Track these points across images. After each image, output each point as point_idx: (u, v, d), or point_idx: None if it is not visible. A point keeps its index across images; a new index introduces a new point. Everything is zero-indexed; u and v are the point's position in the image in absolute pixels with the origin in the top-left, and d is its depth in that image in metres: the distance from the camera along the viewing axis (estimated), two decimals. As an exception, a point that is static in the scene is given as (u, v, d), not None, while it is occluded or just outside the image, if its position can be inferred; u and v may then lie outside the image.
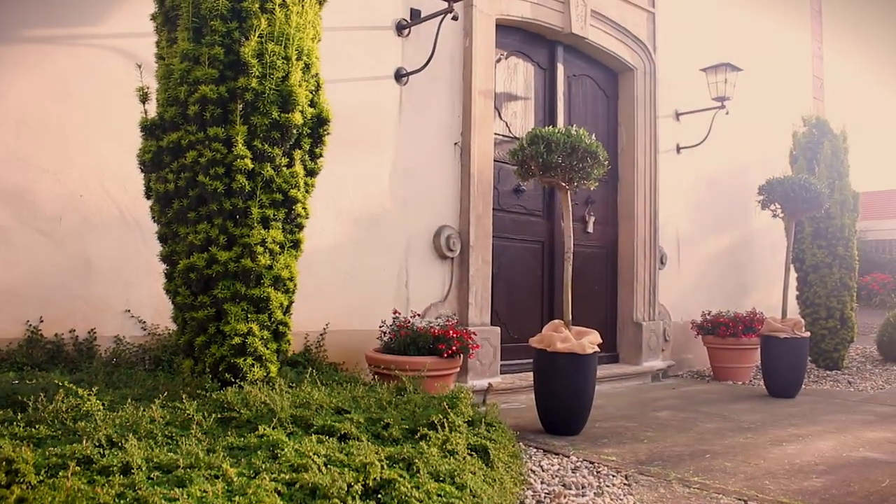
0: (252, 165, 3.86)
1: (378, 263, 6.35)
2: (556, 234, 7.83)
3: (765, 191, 7.80)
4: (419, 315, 6.16)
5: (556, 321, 5.75)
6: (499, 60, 7.42)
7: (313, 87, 4.22)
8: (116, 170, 4.98)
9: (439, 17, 6.20)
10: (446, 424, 3.65)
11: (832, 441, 5.45)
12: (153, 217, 4.11)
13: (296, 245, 4.17)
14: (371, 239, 6.30)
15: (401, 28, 6.51)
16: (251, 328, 3.88)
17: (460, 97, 6.88)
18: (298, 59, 4.04)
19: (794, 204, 7.62)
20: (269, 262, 3.92)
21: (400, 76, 6.48)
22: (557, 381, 5.51)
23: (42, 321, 4.76)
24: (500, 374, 7.01)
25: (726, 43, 10.13)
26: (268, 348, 3.99)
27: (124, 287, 5.07)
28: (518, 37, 7.68)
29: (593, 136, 5.63)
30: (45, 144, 4.82)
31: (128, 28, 5.08)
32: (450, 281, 6.77)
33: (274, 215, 3.97)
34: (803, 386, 7.78)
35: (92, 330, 4.93)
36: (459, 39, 6.88)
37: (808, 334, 7.59)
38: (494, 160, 7.17)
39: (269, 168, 3.93)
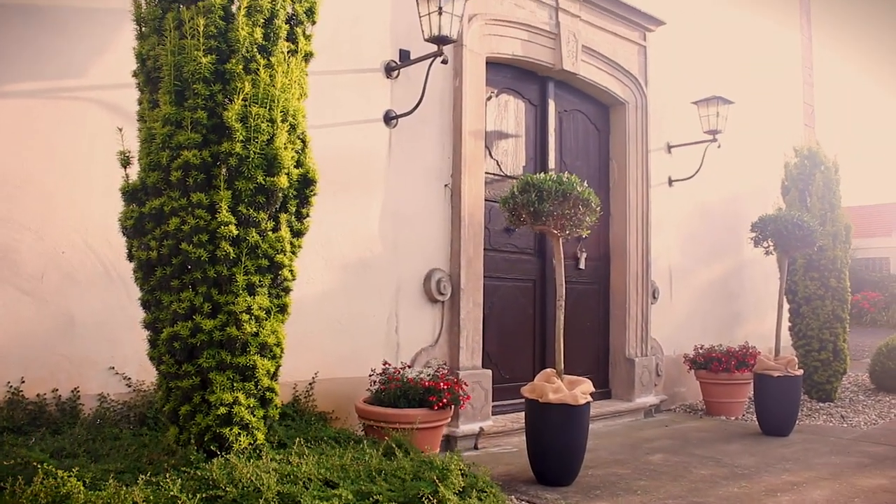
0: (237, 231, 3.78)
1: (368, 309, 6.27)
2: (548, 272, 7.77)
3: (757, 227, 7.76)
4: (409, 366, 6.07)
5: (548, 370, 5.68)
6: (489, 98, 7.36)
7: (299, 147, 4.15)
8: (100, 224, 4.89)
9: (429, 60, 6.13)
10: (436, 500, 3.56)
11: (827, 490, 5.39)
12: (136, 282, 4.02)
13: (282, 309, 4.09)
14: (360, 285, 6.22)
15: (389, 70, 6.45)
16: (237, 397, 3.79)
17: (450, 138, 6.82)
18: (284, 120, 3.97)
19: (787, 241, 7.58)
20: (255, 329, 3.84)
21: (389, 119, 6.41)
22: (549, 432, 5.44)
23: (24, 382, 4.65)
24: (493, 414, 6.93)
25: (718, 73, 10.11)
26: (254, 415, 3.90)
27: (109, 343, 4.97)
28: (509, 73, 7.63)
29: (585, 183, 5.57)
30: (27, 201, 4.73)
31: (111, 79, 5.00)
32: (440, 325, 6.69)
33: (260, 281, 3.89)
34: (797, 421, 7.71)
35: (76, 389, 4.82)
36: (449, 79, 6.82)
37: (800, 372, 7.54)
38: (485, 199, 7.11)
39: (254, 233, 3.85)
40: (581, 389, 5.48)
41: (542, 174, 5.59)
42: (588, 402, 5.48)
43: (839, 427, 8.07)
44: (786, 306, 9.40)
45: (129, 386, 5.04)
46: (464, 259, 6.72)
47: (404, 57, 6.51)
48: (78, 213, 4.90)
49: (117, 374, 5.00)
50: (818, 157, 9.85)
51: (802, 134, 12.17)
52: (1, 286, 4.63)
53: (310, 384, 5.81)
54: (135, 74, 4.18)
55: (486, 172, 7.21)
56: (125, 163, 4.02)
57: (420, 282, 6.58)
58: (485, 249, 7.05)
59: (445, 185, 6.78)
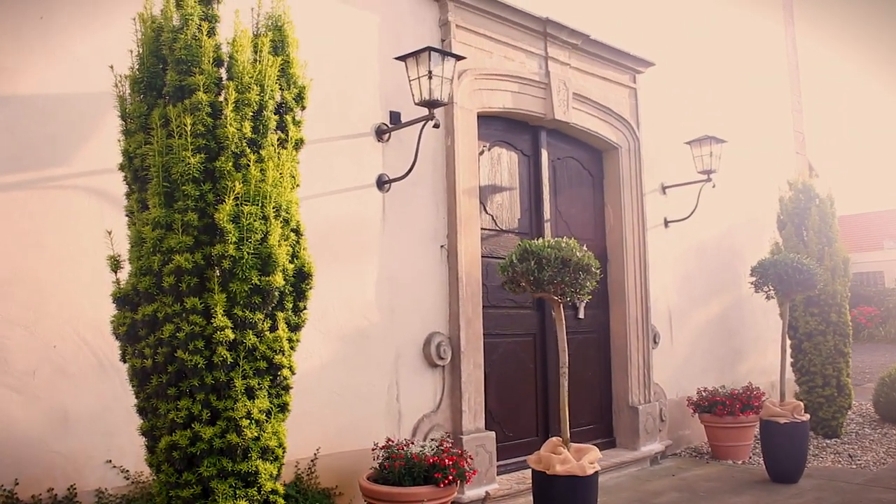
0: (233, 336, 3.67)
1: (367, 379, 6.15)
2: (548, 325, 7.67)
3: (757, 272, 7.69)
4: (411, 442, 5.92)
5: (554, 440, 5.57)
6: (481, 153, 7.28)
7: (293, 241, 4.06)
8: (92, 314, 4.76)
9: (420, 124, 6.06)
10: None
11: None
12: (132, 388, 3.91)
13: (283, 408, 3.99)
14: (359, 354, 6.11)
15: (380, 133, 6.37)
16: (239, 505, 3.68)
17: (444, 198, 6.73)
18: (277, 216, 3.87)
19: (787, 286, 7.51)
20: (256, 433, 3.73)
21: (382, 183, 6.32)
22: (558, 505, 5.33)
23: (18, 483, 4.51)
24: (498, 474, 6.82)
25: (708, 109, 10.07)
26: (257, 519, 3.79)
27: (104, 436, 4.84)
28: (500, 125, 7.56)
29: (584, 247, 5.49)
30: (17, 297, 4.61)
31: (96, 165, 4.89)
32: (441, 389, 6.57)
33: (259, 384, 3.79)
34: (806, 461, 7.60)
35: (72, 486, 4.69)
36: (441, 139, 6.74)
37: (807, 417, 7.45)
38: (482, 256, 7.01)
39: (251, 335, 3.74)
40: (588, 459, 5.37)
41: (541, 240, 5.51)
42: (596, 472, 5.38)
43: (848, 469, 7.96)
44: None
45: (128, 479, 4.90)
46: (463, 320, 6.62)
47: (395, 119, 6.43)
48: (70, 305, 4.78)
49: (115, 467, 4.86)
50: (812, 190, 9.81)
51: (795, 162, 12.14)
52: (-9, 387, 4.51)
53: (312, 461, 5.69)
54: (121, 168, 4.09)
55: (482, 228, 7.12)
56: (115, 267, 3.92)
57: (419, 347, 6.47)
58: (483, 307, 6.94)
59: (441, 247, 6.68)
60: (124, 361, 3.97)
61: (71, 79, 4.91)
